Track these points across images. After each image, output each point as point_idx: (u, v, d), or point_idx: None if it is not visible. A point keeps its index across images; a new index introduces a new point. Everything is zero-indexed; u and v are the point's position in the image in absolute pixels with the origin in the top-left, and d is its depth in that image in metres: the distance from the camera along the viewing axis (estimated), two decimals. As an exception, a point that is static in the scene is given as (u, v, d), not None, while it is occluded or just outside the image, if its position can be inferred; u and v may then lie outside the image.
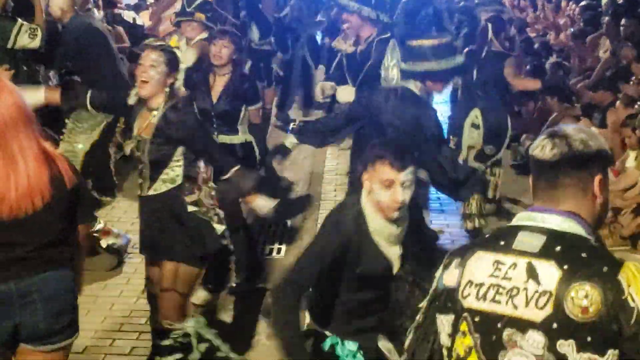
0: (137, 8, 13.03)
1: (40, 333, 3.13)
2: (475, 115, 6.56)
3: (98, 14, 10.11)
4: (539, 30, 12.09)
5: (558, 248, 2.01)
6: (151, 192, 4.15)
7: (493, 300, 2.05)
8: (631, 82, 7.78)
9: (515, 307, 2.01)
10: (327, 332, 3.33)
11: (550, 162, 2.08)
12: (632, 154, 6.74)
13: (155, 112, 4.10)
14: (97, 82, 6.05)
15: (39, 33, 6.47)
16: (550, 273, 1.99)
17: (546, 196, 2.12)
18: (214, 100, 5.41)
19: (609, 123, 7.40)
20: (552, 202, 2.10)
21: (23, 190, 2.99)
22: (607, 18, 9.76)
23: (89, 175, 5.98)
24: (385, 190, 3.13)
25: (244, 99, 5.45)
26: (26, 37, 6.43)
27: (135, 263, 5.76)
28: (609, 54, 9.16)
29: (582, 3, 11.10)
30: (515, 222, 2.15)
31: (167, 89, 4.09)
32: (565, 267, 1.98)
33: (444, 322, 2.16)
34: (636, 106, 6.97)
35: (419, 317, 2.27)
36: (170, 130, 4.04)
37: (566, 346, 1.94)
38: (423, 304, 2.27)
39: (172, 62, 4.11)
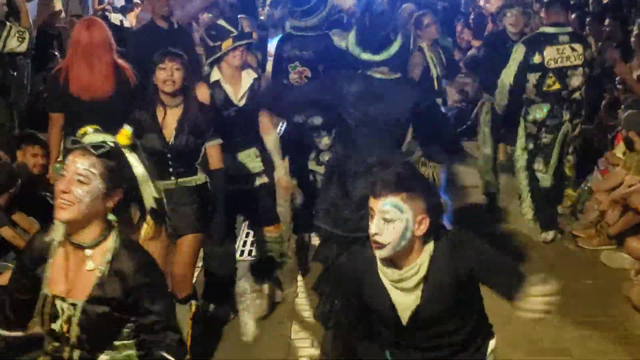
0: (123, 10, 13.05)
1: None
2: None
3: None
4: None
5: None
6: None
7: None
8: (616, 82, 7.82)
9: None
10: None
11: None
12: (619, 153, 6.79)
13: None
14: None
15: (27, 36, 6.44)
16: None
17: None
18: (168, 138, 4.51)
19: (596, 122, 7.46)
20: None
21: (101, 80, 5.12)
22: (588, 18, 9.83)
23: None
24: (371, 221, 2.79)
25: (203, 133, 4.56)
26: (15, 40, 6.41)
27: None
28: (595, 53, 9.21)
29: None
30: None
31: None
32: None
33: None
34: (621, 107, 7.02)
35: None
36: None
37: None
38: None
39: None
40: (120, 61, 5.31)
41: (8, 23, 6.49)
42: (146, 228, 2.68)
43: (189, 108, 4.53)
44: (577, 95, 6.40)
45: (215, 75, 5.09)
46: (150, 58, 4.57)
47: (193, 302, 4.63)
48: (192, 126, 4.51)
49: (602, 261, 6.18)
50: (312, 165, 5.93)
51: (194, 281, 4.88)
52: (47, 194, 6.58)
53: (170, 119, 4.52)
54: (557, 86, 6.31)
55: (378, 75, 4.43)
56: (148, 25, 6.92)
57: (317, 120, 5.88)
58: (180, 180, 4.54)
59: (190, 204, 4.54)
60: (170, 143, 4.49)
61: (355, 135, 4.46)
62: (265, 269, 5.50)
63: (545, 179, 6.50)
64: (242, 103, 5.09)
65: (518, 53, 6.25)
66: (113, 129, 2.78)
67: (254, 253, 6.05)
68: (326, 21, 6.09)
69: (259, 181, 5.27)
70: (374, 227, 2.75)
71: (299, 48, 5.96)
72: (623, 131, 6.56)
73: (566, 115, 6.41)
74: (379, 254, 2.78)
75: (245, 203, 5.26)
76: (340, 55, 5.62)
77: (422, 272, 2.83)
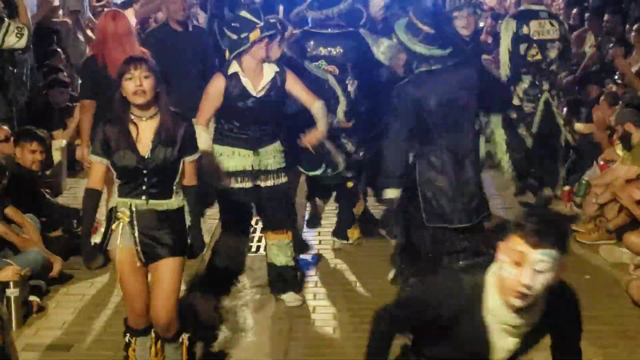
0: (124, 5, 13.06)
1: None
2: None
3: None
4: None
5: None
6: None
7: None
8: (616, 77, 7.82)
9: None
10: None
11: None
12: (618, 149, 6.79)
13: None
14: None
15: (26, 32, 6.43)
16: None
17: None
18: (144, 153, 3.99)
19: (595, 119, 7.45)
20: None
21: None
22: (587, 13, 9.83)
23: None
24: (513, 267, 2.58)
25: (182, 146, 4.06)
26: (13, 36, 6.40)
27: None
28: (594, 49, 9.22)
29: (568, -2, 11.15)
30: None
31: None
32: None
33: None
34: (620, 103, 7.03)
35: None
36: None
37: None
38: None
39: None
40: (141, 47, 5.93)
41: (6, 19, 6.48)
42: None
43: (165, 118, 4.03)
44: (554, 67, 6.88)
45: (233, 67, 5.02)
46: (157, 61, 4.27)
47: (184, 335, 4.25)
48: (170, 138, 4.02)
49: (601, 256, 6.18)
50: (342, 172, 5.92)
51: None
52: (47, 190, 6.60)
53: (145, 132, 4.02)
54: (538, 57, 6.77)
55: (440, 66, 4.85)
56: (161, 27, 6.76)
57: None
58: (151, 201, 4.02)
59: (164, 229, 4.04)
60: (146, 158, 3.98)
61: (436, 129, 4.84)
62: (280, 282, 5.40)
63: (529, 141, 6.83)
64: (261, 94, 5.03)
65: (510, 26, 6.76)
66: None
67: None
68: (347, 17, 5.92)
69: (277, 180, 5.20)
70: (526, 278, 2.55)
71: (324, 45, 5.80)
72: (619, 127, 6.58)
73: (545, 85, 6.82)
74: (518, 303, 2.60)
75: (260, 201, 5.23)
76: (372, 54, 5.82)
77: (538, 318, 2.72)
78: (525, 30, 6.72)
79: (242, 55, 4.98)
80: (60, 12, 9.63)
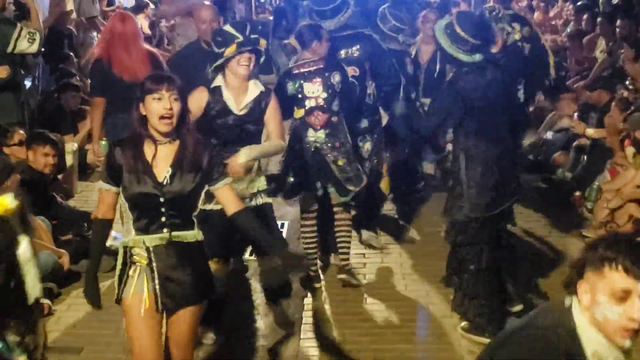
0: (135, 11, 13.14)
1: None
2: None
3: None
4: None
5: None
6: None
7: None
8: (627, 83, 7.81)
9: None
10: None
11: None
12: (630, 154, 6.78)
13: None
14: None
15: (37, 37, 6.50)
16: None
17: None
18: (161, 179, 3.60)
19: (606, 124, 7.44)
20: None
21: (139, 63, 5.85)
22: (599, 19, 9.81)
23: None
24: (617, 304, 2.32)
25: (205, 173, 3.67)
26: (25, 41, 6.46)
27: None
28: (605, 54, 9.20)
29: (579, 3, 11.14)
30: None
31: None
32: None
33: None
34: (631, 108, 7.02)
35: None
36: None
37: None
38: None
39: None
40: (149, 47, 6.25)
41: (19, 24, 6.53)
42: None
43: (187, 142, 3.61)
44: None
45: (217, 81, 4.73)
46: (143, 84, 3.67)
47: None
48: (192, 165, 3.61)
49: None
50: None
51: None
52: (60, 194, 6.63)
53: (162, 156, 3.61)
54: None
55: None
56: (191, 44, 6.37)
57: (364, 123, 5.87)
58: (174, 234, 3.62)
59: (186, 267, 3.65)
60: (164, 185, 3.58)
61: (481, 122, 4.88)
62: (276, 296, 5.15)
63: None
64: (242, 112, 4.72)
65: None
66: None
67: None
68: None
69: (260, 200, 4.84)
70: (638, 312, 2.31)
71: (340, 47, 5.77)
72: (631, 132, 6.57)
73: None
74: (629, 342, 2.39)
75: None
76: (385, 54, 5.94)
77: None
78: None
79: (224, 70, 4.69)
80: (74, 15, 9.68)
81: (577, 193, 7.13)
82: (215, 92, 4.71)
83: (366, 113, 5.99)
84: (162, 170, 3.59)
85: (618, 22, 9.07)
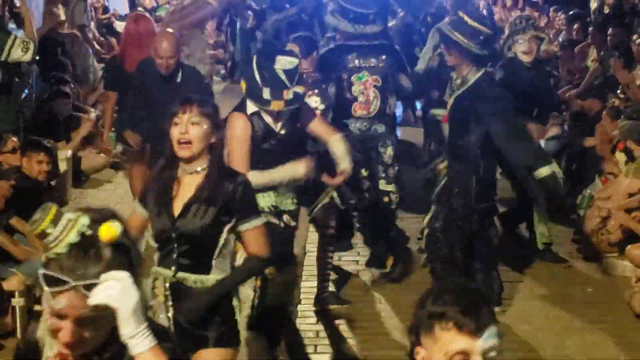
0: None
1: None
2: None
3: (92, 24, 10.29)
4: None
5: None
6: None
7: None
8: (618, 91, 7.86)
9: None
10: None
11: None
12: (621, 160, 6.82)
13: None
14: None
15: (31, 46, 6.53)
16: None
17: None
18: (176, 213, 3.35)
19: (597, 133, 7.49)
20: None
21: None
22: (591, 28, 9.88)
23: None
24: None
25: (227, 211, 3.35)
26: (19, 50, 6.49)
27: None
28: (596, 63, 9.26)
29: (570, 12, 11.21)
30: None
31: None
32: None
33: None
34: (621, 117, 7.06)
35: None
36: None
37: None
38: None
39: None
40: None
41: (13, 33, 6.56)
42: None
43: (212, 175, 3.32)
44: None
45: (252, 107, 4.38)
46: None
47: None
48: (211, 199, 3.30)
49: (603, 268, 6.19)
50: (382, 185, 5.77)
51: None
52: (55, 202, 6.63)
53: (185, 189, 3.35)
54: None
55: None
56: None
57: (381, 128, 5.82)
58: (179, 275, 3.36)
59: (199, 309, 3.37)
60: (176, 220, 3.33)
61: None
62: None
63: None
64: (282, 132, 4.45)
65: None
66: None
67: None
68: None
69: (286, 222, 4.54)
70: None
71: (364, 57, 5.78)
72: (623, 141, 6.62)
73: None
74: None
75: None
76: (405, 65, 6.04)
77: None
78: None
79: None
80: (66, 25, 9.73)
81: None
82: (254, 118, 4.36)
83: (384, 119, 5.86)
84: (180, 204, 3.33)
85: (610, 31, 9.13)
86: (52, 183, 7.08)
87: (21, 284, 5.08)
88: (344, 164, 4.64)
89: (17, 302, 5.05)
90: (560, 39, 10.98)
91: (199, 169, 3.33)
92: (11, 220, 5.71)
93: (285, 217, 4.49)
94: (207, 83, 6.90)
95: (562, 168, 7.72)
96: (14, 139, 6.45)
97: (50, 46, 8.72)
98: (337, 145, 4.63)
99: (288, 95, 4.28)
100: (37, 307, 5.27)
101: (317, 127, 4.63)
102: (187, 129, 3.26)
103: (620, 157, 6.76)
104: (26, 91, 7.14)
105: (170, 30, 6.25)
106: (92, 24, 11.04)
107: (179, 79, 5.79)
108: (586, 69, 9.54)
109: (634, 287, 5.63)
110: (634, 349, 5.02)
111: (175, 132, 3.28)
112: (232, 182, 3.32)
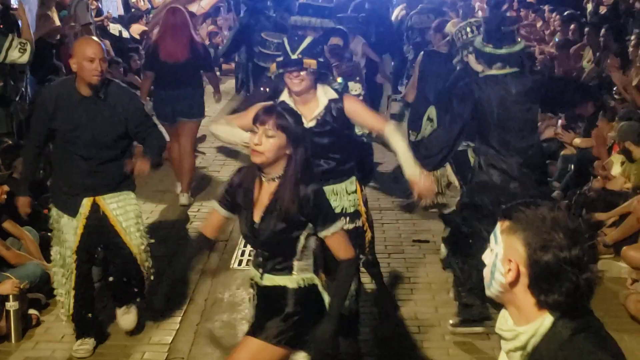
0: (131, 20, 13.24)
1: None
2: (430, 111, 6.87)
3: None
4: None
5: None
6: None
7: None
8: (614, 92, 7.86)
9: None
10: None
11: None
12: (617, 161, 6.82)
13: None
14: None
15: (28, 48, 6.53)
16: None
17: None
18: (257, 219, 3.47)
19: (593, 134, 7.49)
20: None
21: (180, 50, 7.52)
22: (586, 29, 9.89)
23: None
24: None
25: (301, 220, 3.42)
26: (16, 51, 6.49)
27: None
28: (592, 64, 9.26)
29: (566, 13, 11.22)
30: None
31: None
32: None
33: None
34: (616, 119, 7.07)
35: None
36: None
37: None
38: None
39: None
40: (196, 37, 7.92)
41: (10, 35, 6.55)
42: None
43: (285, 184, 3.39)
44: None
45: (284, 95, 4.32)
46: None
47: None
48: (284, 207, 3.38)
49: (599, 270, 6.19)
50: None
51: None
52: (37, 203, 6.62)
53: (264, 196, 3.45)
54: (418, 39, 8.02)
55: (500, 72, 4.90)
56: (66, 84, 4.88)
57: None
58: (266, 276, 3.50)
59: (280, 312, 3.46)
60: (257, 226, 3.46)
61: (497, 134, 4.86)
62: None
63: None
64: (311, 124, 4.20)
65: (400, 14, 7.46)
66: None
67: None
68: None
69: (348, 226, 4.33)
70: None
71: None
72: (620, 142, 6.62)
73: None
74: None
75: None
76: None
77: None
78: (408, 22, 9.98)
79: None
80: (73, 24, 9.74)
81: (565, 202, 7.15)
82: None
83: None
84: (260, 211, 3.45)
85: (602, 32, 9.14)
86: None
87: (15, 287, 5.07)
88: (405, 154, 4.39)
89: (11, 306, 5.04)
90: (555, 40, 10.99)
91: (275, 177, 3.42)
92: (4, 224, 5.70)
93: (346, 220, 4.36)
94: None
95: (558, 169, 7.74)
96: (9, 142, 6.44)
97: (44, 49, 8.70)
98: (395, 138, 4.40)
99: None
100: (31, 311, 5.28)
101: (357, 113, 4.41)
102: (261, 140, 3.35)
103: (616, 158, 6.76)
104: (20, 94, 7.10)
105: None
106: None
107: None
108: (582, 70, 9.55)
109: (630, 289, 5.64)
110: (629, 350, 5.02)
111: (252, 140, 3.39)
112: (305, 191, 3.39)
